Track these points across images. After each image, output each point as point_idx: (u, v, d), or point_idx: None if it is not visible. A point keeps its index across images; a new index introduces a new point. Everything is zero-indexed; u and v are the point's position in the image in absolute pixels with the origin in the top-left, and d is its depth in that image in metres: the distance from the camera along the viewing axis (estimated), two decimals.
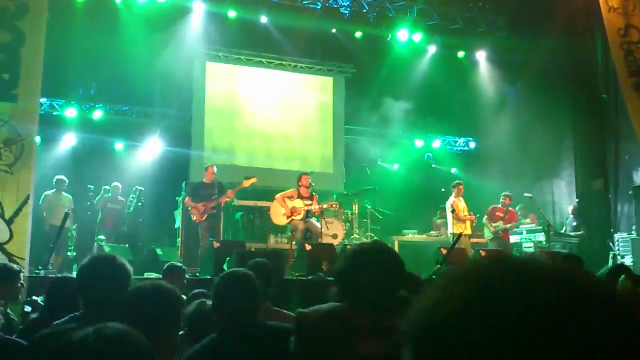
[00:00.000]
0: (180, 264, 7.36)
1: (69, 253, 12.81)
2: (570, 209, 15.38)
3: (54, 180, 12.92)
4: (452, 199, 13.46)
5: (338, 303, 2.98)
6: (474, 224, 13.71)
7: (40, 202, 12.40)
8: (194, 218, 12.04)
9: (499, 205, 13.90)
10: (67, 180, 13.06)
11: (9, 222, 8.72)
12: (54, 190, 12.87)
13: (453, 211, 13.24)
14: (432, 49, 17.79)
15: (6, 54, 9.46)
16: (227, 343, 3.41)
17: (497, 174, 16.66)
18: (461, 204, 13.40)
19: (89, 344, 1.68)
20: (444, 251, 10.50)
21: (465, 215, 13.32)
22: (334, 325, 2.81)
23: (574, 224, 14.95)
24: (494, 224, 13.74)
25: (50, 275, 8.44)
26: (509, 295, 0.78)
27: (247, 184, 12.31)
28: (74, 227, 13.00)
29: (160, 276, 9.38)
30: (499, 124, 17.29)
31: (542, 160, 16.55)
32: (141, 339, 1.79)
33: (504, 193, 14.02)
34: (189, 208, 12.27)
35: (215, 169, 12.44)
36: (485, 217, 13.91)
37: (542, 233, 14.08)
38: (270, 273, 4.91)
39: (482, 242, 14.03)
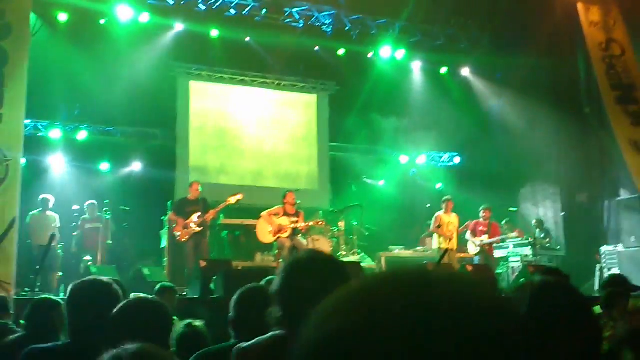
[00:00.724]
0: (171, 285, 7.34)
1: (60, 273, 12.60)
2: (533, 222, 15.38)
3: (39, 198, 12.70)
4: (439, 213, 13.47)
5: (278, 330, 2.62)
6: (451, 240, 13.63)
7: (26, 222, 12.22)
8: (179, 237, 11.95)
9: (481, 220, 13.89)
10: (52, 199, 12.84)
11: None
12: (40, 209, 12.64)
13: (439, 226, 13.25)
14: (415, 66, 17.88)
15: None
16: None
17: (482, 189, 16.69)
18: (447, 219, 13.41)
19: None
20: (430, 267, 10.50)
21: (448, 231, 13.32)
22: (279, 358, 2.50)
23: (541, 236, 14.95)
24: (479, 239, 13.72)
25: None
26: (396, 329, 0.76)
27: (232, 200, 12.26)
28: (60, 246, 12.80)
29: (147, 296, 9.33)
30: (483, 139, 17.36)
31: (527, 174, 16.64)
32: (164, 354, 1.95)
33: (483, 207, 13.95)
34: (173, 225, 12.19)
35: (200, 186, 12.38)
36: (469, 232, 13.90)
37: (529, 247, 14.11)
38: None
39: (468, 257, 14.03)
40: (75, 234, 13.34)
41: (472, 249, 13.84)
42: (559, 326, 1.94)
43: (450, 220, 13.45)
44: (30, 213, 12.51)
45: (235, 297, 3.68)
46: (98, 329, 2.88)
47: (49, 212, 12.73)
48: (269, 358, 2.56)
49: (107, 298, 3.13)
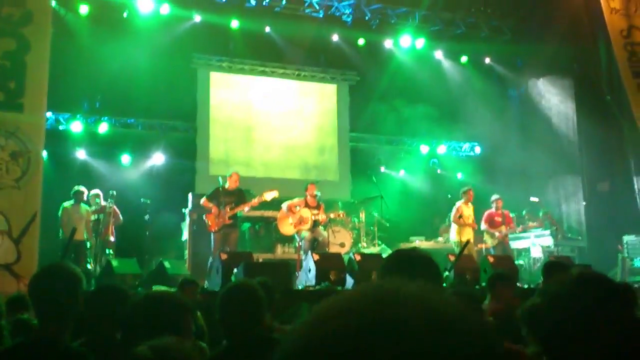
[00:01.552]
0: (193, 279, 7.40)
1: (88, 265, 12.45)
2: (541, 214, 15.20)
3: (73, 191, 12.48)
4: (459, 204, 13.40)
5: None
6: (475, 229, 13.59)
7: (59, 215, 12.14)
8: (209, 226, 11.81)
9: (493, 210, 13.81)
10: (85, 191, 12.63)
11: (16, 242, 8.70)
12: (72, 201, 12.40)
13: (460, 217, 13.18)
14: (435, 55, 17.80)
15: (11, 62, 9.42)
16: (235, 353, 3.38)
17: (502, 179, 16.61)
18: (467, 211, 13.34)
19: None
20: (452, 258, 10.48)
21: (470, 222, 13.26)
22: None
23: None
24: (497, 230, 13.63)
25: None
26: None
27: (267, 197, 12.06)
28: (93, 238, 12.66)
29: (169, 288, 9.41)
30: (503, 128, 17.25)
31: (548, 163, 16.50)
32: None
33: (494, 197, 13.91)
34: (203, 215, 12.12)
35: (239, 177, 12.16)
36: (485, 224, 13.76)
37: (550, 237, 14.03)
38: (270, 291, 4.83)
39: (487, 247, 13.95)
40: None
41: (490, 240, 13.73)
42: (600, 318, 1.94)
43: (470, 211, 13.37)
44: (63, 205, 12.31)
45: (218, 297, 3.59)
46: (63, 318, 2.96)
47: (82, 205, 12.49)
48: None
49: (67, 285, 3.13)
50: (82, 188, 12.65)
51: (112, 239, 12.68)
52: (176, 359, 2.01)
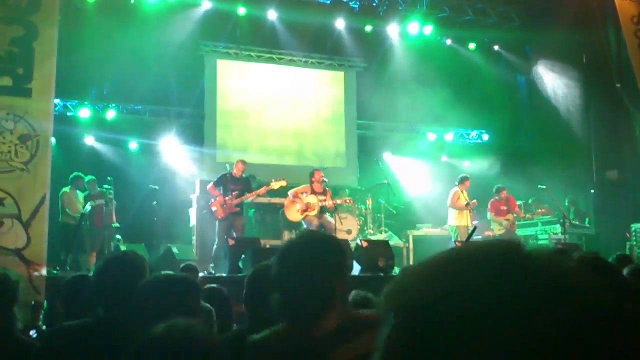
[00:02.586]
0: (194, 265, 7.44)
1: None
2: (566, 202, 15.20)
3: (71, 176, 12.72)
4: (456, 188, 13.40)
5: (282, 322, 2.46)
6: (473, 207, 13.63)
7: (60, 198, 12.29)
8: (215, 212, 11.83)
9: (496, 198, 13.94)
10: (84, 177, 12.83)
11: (26, 226, 8.72)
12: (69, 186, 12.65)
13: (468, 204, 13.16)
14: (443, 41, 17.74)
15: (19, 48, 9.46)
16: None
17: (510, 166, 16.57)
18: (463, 197, 13.33)
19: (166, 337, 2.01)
20: (460, 245, 10.47)
21: (467, 205, 13.28)
22: (291, 350, 2.37)
23: (572, 217, 14.81)
24: (503, 218, 13.74)
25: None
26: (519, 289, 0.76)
27: (275, 186, 12.16)
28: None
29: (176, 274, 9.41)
30: (511, 115, 17.20)
31: (556, 151, 16.44)
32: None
33: (498, 186, 14.06)
34: (209, 202, 12.15)
35: (245, 165, 12.21)
36: (492, 213, 13.89)
37: (557, 225, 14.00)
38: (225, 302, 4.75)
39: (493, 234, 13.98)
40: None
41: (497, 228, 13.82)
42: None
43: (465, 197, 13.37)
44: (63, 190, 12.52)
45: (248, 275, 3.59)
46: (125, 302, 2.92)
47: (78, 191, 12.77)
48: (284, 352, 2.41)
49: (135, 272, 3.20)
50: (80, 174, 12.82)
51: (117, 224, 12.80)
52: (191, 340, 2.02)
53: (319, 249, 2.41)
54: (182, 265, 7.27)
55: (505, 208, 13.84)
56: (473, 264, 0.79)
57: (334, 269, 2.41)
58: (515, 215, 13.97)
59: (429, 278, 0.80)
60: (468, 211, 13.26)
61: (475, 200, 13.39)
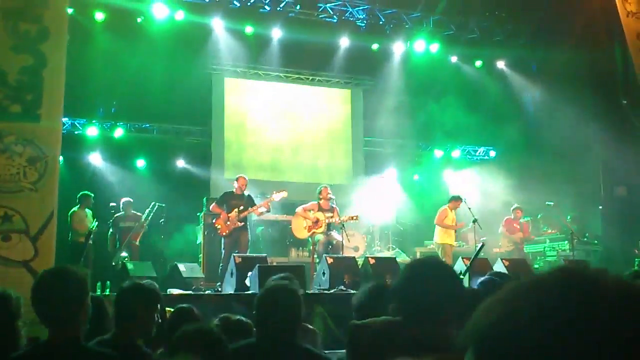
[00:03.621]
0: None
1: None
2: (568, 218, 15.22)
3: (79, 195, 12.69)
4: (445, 207, 13.38)
5: (393, 317, 2.92)
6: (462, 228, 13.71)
7: (69, 219, 12.32)
8: (219, 230, 11.83)
9: (512, 217, 14.14)
10: (91, 195, 12.79)
11: (33, 240, 8.75)
12: (78, 206, 12.62)
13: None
14: (449, 59, 17.78)
15: (29, 77, 9.51)
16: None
17: (517, 183, 16.53)
18: (451, 215, 13.31)
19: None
20: (467, 262, 10.44)
21: (454, 224, 13.29)
22: (389, 338, 2.74)
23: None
24: (515, 236, 13.90)
25: None
26: (593, 316, 0.78)
27: (276, 197, 12.14)
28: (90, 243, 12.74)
29: (183, 291, 9.47)
30: (518, 133, 17.18)
31: (563, 167, 16.40)
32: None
33: (515, 206, 14.24)
34: (214, 219, 12.18)
35: (246, 180, 12.18)
36: (504, 229, 14.05)
37: (566, 241, 13.98)
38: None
39: (502, 251, 13.95)
40: (111, 231, 13.06)
41: (506, 245, 13.86)
42: None
43: (453, 216, 13.36)
44: (72, 210, 12.51)
45: (258, 295, 3.67)
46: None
47: (87, 210, 12.70)
48: (381, 335, 2.80)
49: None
50: (87, 193, 12.83)
51: (137, 243, 12.91)
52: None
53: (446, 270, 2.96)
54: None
55: (517, 227, 14.06)
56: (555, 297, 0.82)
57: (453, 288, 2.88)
58: (529, 237, 14.17)
59: (506, 311, 0.83)
60: (454, 230, 13.30)
61: (462, 222, 13.40)
